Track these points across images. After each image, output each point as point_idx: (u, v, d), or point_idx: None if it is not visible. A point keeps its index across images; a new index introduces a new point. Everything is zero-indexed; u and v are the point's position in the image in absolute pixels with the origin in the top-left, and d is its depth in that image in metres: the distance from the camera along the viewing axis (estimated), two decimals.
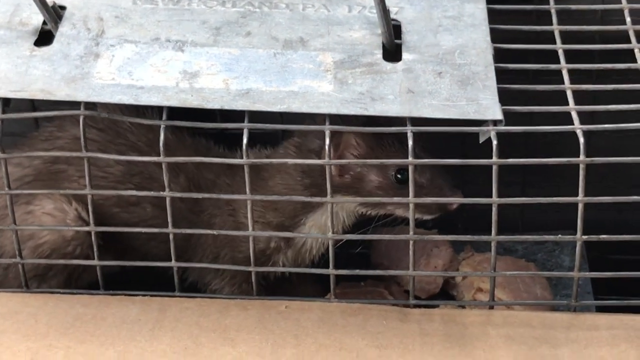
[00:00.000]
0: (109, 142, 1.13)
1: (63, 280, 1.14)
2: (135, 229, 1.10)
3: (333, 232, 1.04)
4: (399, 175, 1.10)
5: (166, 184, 1.03)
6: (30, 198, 1.11)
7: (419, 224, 1.08)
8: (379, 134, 1.07)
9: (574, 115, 1.02)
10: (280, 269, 1.11)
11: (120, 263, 1.11)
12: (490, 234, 1.03)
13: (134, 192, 1.07)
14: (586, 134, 1.01)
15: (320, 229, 1.14)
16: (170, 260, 1.07)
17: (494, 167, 1.00)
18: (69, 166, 1.12)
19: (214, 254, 1.16)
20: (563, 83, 1.06)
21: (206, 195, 1.09)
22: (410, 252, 1.04)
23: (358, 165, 1.10)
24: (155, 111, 1.06)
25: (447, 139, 1.03)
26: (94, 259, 1.08)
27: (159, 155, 1.01)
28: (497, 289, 1.14)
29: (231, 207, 1.15)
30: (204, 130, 1.06)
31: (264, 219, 1.14)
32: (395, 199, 1.07)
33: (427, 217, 1.12)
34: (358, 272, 1.07)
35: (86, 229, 1.07)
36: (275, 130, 1.03)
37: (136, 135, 1.14)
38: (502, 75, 1.06)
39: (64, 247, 1.11)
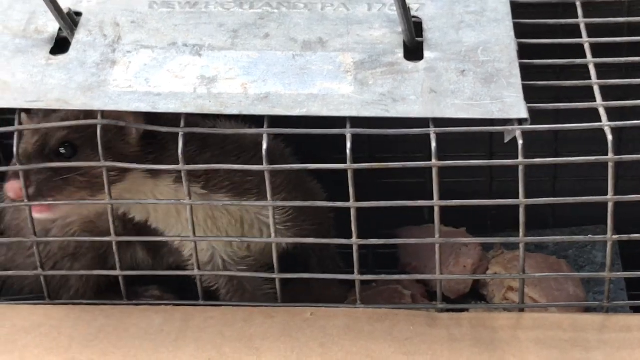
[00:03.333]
0: None
1: (92, 258, 1.14)
2: (158, 238, 1.09)
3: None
4: None
5: (186, 192, 1.01)
6: None
7: (448, 222, 1.05)
8: None
9: (602, 111, 1.00)
10: (305, 275, 1.09)
11: (142, 273, 1.11)
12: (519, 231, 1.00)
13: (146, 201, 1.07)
14: (615, 130, 0.98)
15: None
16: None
17: (520, 168, 0.97)
18: None
19: None
20: (590, 78, 1.04)
21: (225, 203, 1.07)
22: (437, 256, 1.01)
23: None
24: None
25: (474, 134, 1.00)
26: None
27: None
28: (528, 287, 1.12)
29: None
30: None
31: None
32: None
33: None
34: (384, 277, 1.05)
35: (107, 239, 1.05)
36: (296, 134, 1.01)
37: None
38: (526, 72, 1.03)
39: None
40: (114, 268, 1.08)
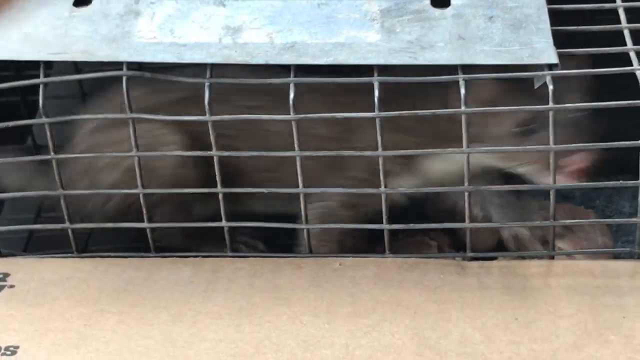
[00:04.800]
0: None
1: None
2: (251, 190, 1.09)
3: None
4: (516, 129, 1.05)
5: (213, 142, 1.01)
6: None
7: None
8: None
9: (633, 55, 0.98)
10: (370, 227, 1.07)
11: (169, 225, 1.10)
12: None
13: (179, 153, 1.08)
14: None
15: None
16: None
17: (551, 113, 0.96)
18: None
19: None
20: (620, 23, 1.02)
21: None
22: (466, 205, 1.01)
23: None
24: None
25: None
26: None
27: None
28: (557, 238, 1.11)
29: None
30: None
31: None
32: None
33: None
34: (413, 226, 1.04)
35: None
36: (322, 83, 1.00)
37: None
38: (556, 17, 1.02)
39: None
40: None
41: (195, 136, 1.10)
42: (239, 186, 1.09)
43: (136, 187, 1.05)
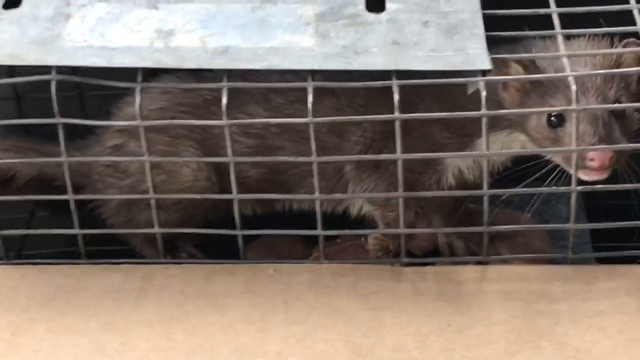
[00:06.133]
0: None
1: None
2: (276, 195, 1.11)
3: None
4: (552, 119, 1.03)
5: (229, 150, 1.00)
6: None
7: None
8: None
9: (565, 61, 0.99)
10: (268, 232, 1.07)
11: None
12: None
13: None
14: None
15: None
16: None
17: (484, 120, 0.96)
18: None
19: None
20: (554, 28, 1.02)
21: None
22: (400, 211, 1.00)
23: (523, 100, 1.03)
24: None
25: None
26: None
27: None
28: (496, 241, 1.11)
29: None
30: None
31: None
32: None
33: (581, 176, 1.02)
34: (348, 232, 1.04)
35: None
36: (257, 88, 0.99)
37: None
38: (490, 22, 1.02)
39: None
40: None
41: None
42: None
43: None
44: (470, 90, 0.98)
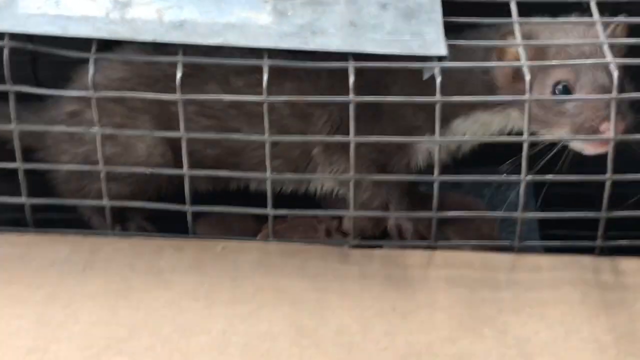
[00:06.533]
0: None
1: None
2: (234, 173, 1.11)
3: None
4: (557, 90, 1.03)
5: (182, 125, 0.99)
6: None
7: None
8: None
9: (521, 51, 0.99)
10: (218, 209, 1.07)
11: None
12: None
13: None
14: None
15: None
16: None
17: (437, 106, 0.96)
18: None
19: None
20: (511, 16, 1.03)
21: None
22: (351, 193, 1.01)
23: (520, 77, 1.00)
24: None
25: None
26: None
27: None
28: (443, 226, 1.12)
29: None
30: None
31: None
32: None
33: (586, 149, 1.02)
34: (297, 212, 1.04)
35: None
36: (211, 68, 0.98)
37: None
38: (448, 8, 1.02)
39: None
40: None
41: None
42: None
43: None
44: (426, 76, 0.98)
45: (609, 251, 1.03)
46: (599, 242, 1.03)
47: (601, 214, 1.01)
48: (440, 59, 0.97)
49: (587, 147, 1.02)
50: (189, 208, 1.03)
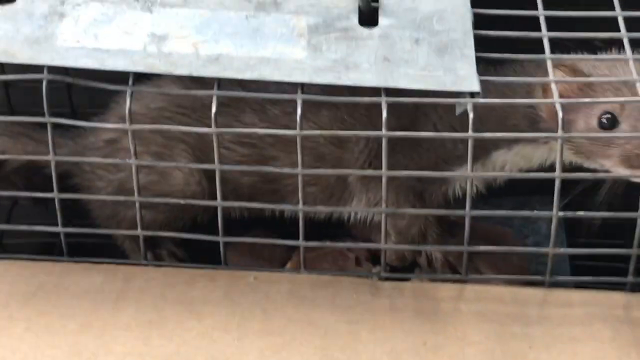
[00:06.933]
0: None
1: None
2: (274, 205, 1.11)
3: None
4: (604, 120, 1.03)
5: (217, 158, 1.00)
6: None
7: None
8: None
9: (553, 87, 0.99)
10: (249, 240, 1.08)
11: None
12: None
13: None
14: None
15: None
16: None
17: (470, 141, 0.97)
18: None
19: None
20: (544, 52, 1.03)
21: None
22: (382, 226, 1.01)
23: (566, 109, 1.00)
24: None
25: None
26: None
27: None
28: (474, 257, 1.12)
29: None
30: None
31: None
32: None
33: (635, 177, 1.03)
34: (328, 244, 1.05)
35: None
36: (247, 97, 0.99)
37: None
38: (481, 43, 1.03)
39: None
40: None
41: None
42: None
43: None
44: (458, 112, 0.98)
45: None
46: (630, 279, 1.03)
47: (632, 251, 1.01)
48: (472, 95, 0.98)
49: (636, 174, 1.02)
50: (221, 239, 1.04)
